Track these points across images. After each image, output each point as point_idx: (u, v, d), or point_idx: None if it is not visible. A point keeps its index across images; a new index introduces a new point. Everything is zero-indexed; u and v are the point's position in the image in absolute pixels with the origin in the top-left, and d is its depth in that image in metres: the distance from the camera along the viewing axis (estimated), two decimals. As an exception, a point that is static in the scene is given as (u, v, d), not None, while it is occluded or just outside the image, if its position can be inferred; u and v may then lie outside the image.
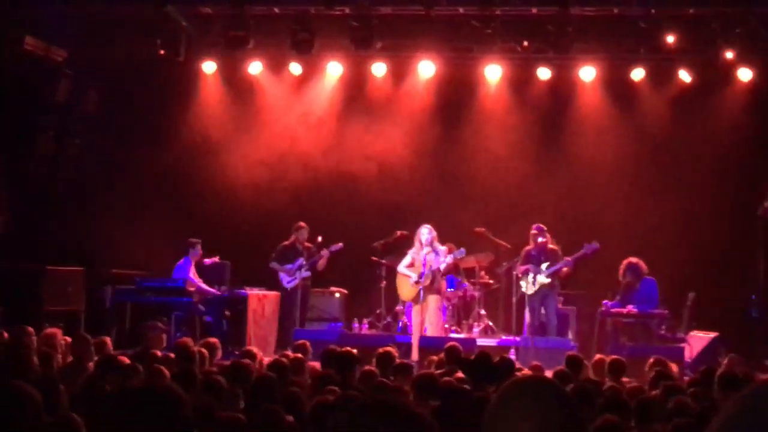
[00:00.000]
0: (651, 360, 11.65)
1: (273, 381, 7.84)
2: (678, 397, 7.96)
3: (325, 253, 17.91)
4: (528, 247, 17.24)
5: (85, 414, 5.73)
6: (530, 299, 17.13)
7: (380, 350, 10.94)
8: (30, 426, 3.73)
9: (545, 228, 17.25)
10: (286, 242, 18.22)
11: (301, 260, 17.95)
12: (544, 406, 2.65)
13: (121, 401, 3.77)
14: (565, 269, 17.09)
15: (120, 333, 16.69)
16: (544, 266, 17.00)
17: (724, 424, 1.82)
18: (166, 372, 8.75)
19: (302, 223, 18.26)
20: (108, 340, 12.53)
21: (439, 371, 10.16)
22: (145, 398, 3.69)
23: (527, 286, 17.10)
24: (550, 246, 17.23)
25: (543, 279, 17.04)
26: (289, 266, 17.96)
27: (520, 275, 17.24)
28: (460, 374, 9.48)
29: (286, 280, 17.97)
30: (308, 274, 18.13)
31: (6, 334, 12.02)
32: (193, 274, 17.63)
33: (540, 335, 16.86)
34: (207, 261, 18.00)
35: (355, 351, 11.50)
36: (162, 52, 18.41)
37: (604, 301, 17.05)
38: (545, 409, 2.64)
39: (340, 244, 17.92)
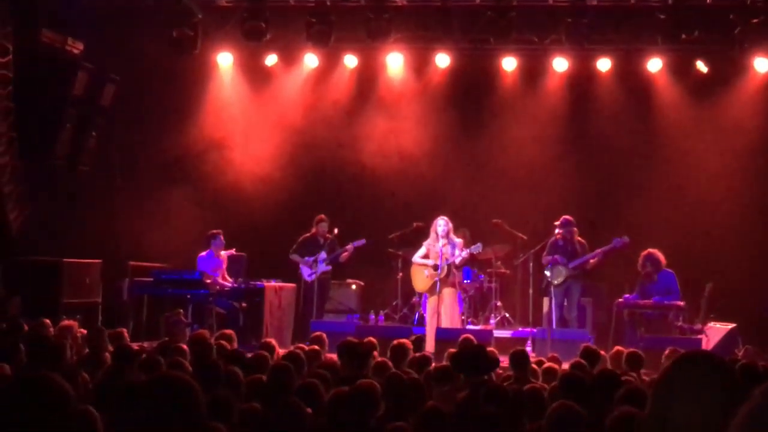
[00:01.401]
0: (667, 351, 11.64)
1: (289, 372, 7.84)
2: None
3: (350, 247, 17.93)
4: (554, 238, 17.25)
5: (102, 406, 5.75)
6: (555, 290, 17.15)
7: (394, 342, 10.94)
8: (61, 419, 3.74)
9: (573, 220, 17.25)
10: (307, 234, 18.24)
11: (323, 254, 17.97)
12: (718, 386, 2.65)
13: (133, 393, 3.78)
14: (592, 261, 17.11)
15: (137, 325, 16.75)
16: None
17: (751, 414, 1.83)
18: (188, 365, 8.79)
19: (323, 216, 18.27)
20: (125, 332, 12.57)
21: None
22: (156, 389, 3.70)
23: (552, 277, 17.13)
24: (578, 238, 17.25)
25: (568, 271, 17.07)
26: (308, 258, 17.98)
27: (544, 264, 17.28)
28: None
29: (307, 273, 17.99)
30: (329, 268, 18.15)
31: (26, 327, 12.06)
32: (218, 267, 17.64)
33: (560, 327, 16.88)
34: (224, 253, 18.02)
35: (373, 340, 11.56)
36: (178, 44, 18.44)
37: (625, 295, 17.02)
38: (719, 390, 2.64)
39: (363, 240, 17.96)
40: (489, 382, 7.90)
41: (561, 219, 17.27)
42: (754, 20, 17.15)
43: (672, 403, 2.63)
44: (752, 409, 1.85)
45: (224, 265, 17.84)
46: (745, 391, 2.52)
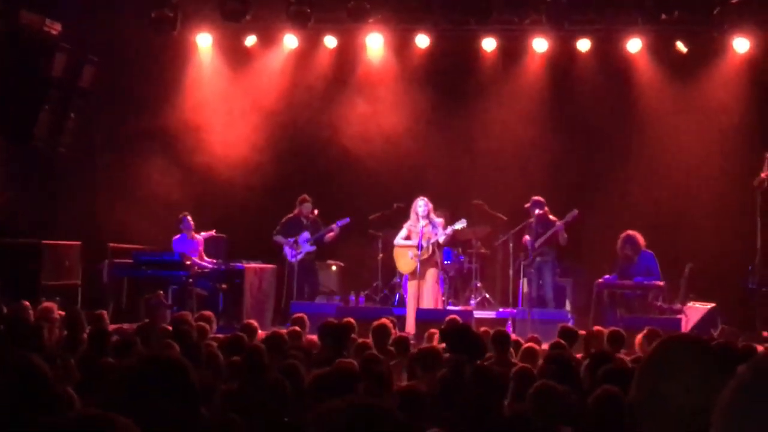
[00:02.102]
0: (645, 331, 11.70)
1: (263, 352, 7.85)
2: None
3: (334, 227, 17.90)
4: (530, 219, 17.36)
5: (80, 387, 5.74)
6: (526, 270, 17.26)
7: (376, 323, 10.94)
8: (43, 400, 3.72)
9: (543, 200, 17.34)
10: (290, 215, 18.20)
11: (306, 234, 17.94)
12: (704, 367, 2.68)
13: (127, 373, 3.77)
14: (559, 237, 17.20)
15: (117, 307, 16.72)
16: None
17: (737, 391, 1.84)
18: (176, 346, 8.79)
19: (306, 196, 18.24)
20: (104, 313, 12.56)
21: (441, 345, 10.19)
22: (151, 369, 3.68)
23: (525, 258, 17.26)
24: (551, 217, 17.35)
25: (534, 251, 17.23)
26: (290, 239, 17.95)
27: (523, 243, 17.43)
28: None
29: (291, 254, 17.95)
30: (314, 248, 18.12)
31: (5, 309, 12.03)
32: (193, 248, 17.61)
33: (538, 307, 16.94)
34: (203, 234, 17.99)
35: (352, 321, 11.57)
36: (157, 25, 18.35)
37: (605, 276, 17.09)
38: (704, 370, 2.66)
39: (347, 219, 17.95)
40: (473, 363, 7.90)
41: (531, 200, 17.37)
42: (734, 0, 17.17)
43: (661, 385, 2.65)
44: (737, 385, 1.86)
45: (201, 246, 17.82)
46: (727, 371, 2.54)
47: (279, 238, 18.09)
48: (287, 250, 17.99)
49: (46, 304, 12.72)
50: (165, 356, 3.96)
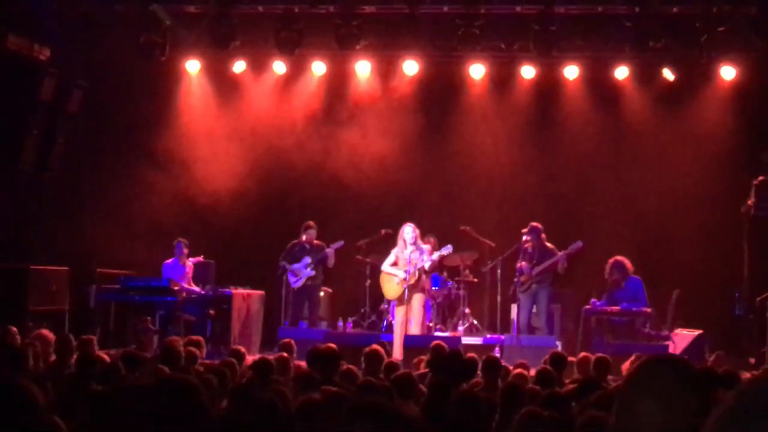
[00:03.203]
0: (632, 357, 11.71)
1: (254, 381, 7.82)
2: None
3: (330, 251, 17.88)
4: (524, 244, 17.33)
5: (66, 414, 5.71)
6: (522, 297, 17.25)
7: (368, 349, 10.91)
8: (33, 425, 3.70)
9: (540, 227, 17.33)
10: (296, 241, 18.16)
11: (307, 259, 17.91)
12: (681, 386, 2.66)
13: (142, 396, 3.75)
14: (559, 266, 17.19)
15: (105, 332, 16.67)
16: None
17: (722, 417, 1.84)
18: (167, 371, 8.75)
19: (311, 222, 18.19)
20: (93, 339, 12.49)
21: (421, 371, 10.17)
22: (166, 392, 3.66)
23: (519, 284, 17.24)
24: (547, 244, 17.35)
25: (533, 278, 17.19)
26: (296, 265, 17.91)
27: (516, 268, 17.37)
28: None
29: (293, 280, 17.92)
30: (313, 273, 18.04)
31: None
32: (181, 274, 17.59)
33: (528, 333, 16.95)
34: (192, 260, 17.98)
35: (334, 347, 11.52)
36: (146, 50, 18.36)
37: (592, 300, 17.09)
38: (681, 390, 2.64)
39: (341, 242, 17.95)
40: (459, 388, 7.89)
41: (528, 226, 17.35)
42: (720, 29, 17.24)
43: (637, 404, 2.65)
44: (724, 411, 1.86)
45: (190, 273, 17.81)
46: (704, 393, 2.55)
47: (284, 265, 18.03)
48: (290, 277, 17.97)
49: (43, 331, 12.56)
50: (181, 380, 3.94)
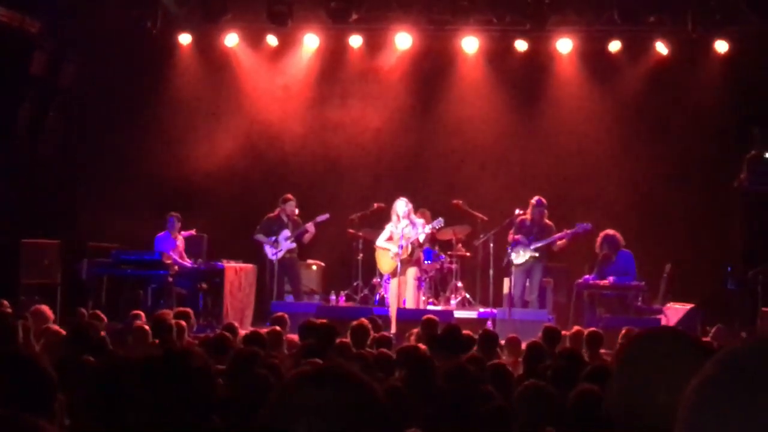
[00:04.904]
0: (623, 331, 11.75)
1: (254, 354, 7.81)
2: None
3: (310, 226, 17.79)
4: (522, 217, 17.27)
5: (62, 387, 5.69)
6: (516, 271, 17.21)
7: (354, 323, 10.89)
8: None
9: (545, 202, 17.26)
10: (271, 214, 18.09)
11: (287, 231, 17.84)
12: (678, 358, 2.58)
13: (145, 368, 3.71)
14: (559, 243, 17.14)
15: (96, 306, 16.63)
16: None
17: (703, 386, 1.82)
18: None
19: (289, 195, 18.10)
20: (83, 311, 12.48)
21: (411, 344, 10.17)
22: (174, 363, 3.64)
23: (515, 256, 17.17)
24: (546, 220, 17.29)
25: (530, 252, 17.12)
26: (271, 237, 17.84)
27: (509, 242, 17.31)
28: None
29: (271, 252, 17.86)
30: (293, 246, 18.00)
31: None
32: (173, 247, 17.58)
33: (520, 307, 16.95)
34: (184, 234, 17.96)
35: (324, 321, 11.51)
36: (138, 24, 18.30)
37: (585, 276, 17.10)
38: (681, 362, 2.56)
39: (327, 215, 17.85)
40: (452, 362, 7.89)
41: (535, 199, 17.24)
42: (712, 2, 17.22)
43: (636, 377, 2.60)
44: (702, 382, 1.84)
45: (182, 247, 17.78)
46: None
47: (259, 237, 17.98)
48: (267, 249, 17.90)
49: (43, 306, 12.47)
50: (186, 352, 3.90)
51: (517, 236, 17.22)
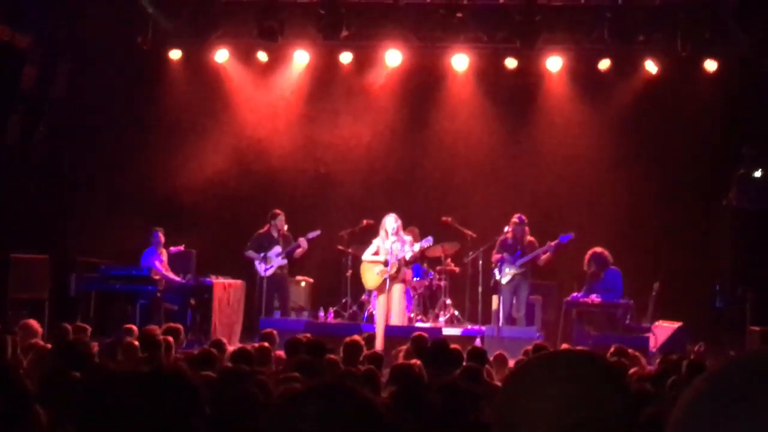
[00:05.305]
0: (612, 348, 11.74)
1: (241, 371, 7.78)
2: (640, 385, 8.03)
3: (302, 242, 17.79)
4: (504, 236, 17.29)
5: (48, 402, 5.67)
6: (503, 289, 17.21)
7: (347, 339, 10.88)
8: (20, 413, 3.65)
9: (526, 219, 17.29)
10: (261, 230, 18.08)
11: (278, 248, 17.83)
12: (562, 384, 2.32)
13: (133, 384, 3.70)
14: (543, 257, 17.15)
15: (84, 321, 16.58)
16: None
17: (694, 401, 1.81)
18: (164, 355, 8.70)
19: (278, 211, 18.11)
20: (69, 327, 12.41)
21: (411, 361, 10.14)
22: (158, 381, 3.63)
23: (501, 276, 17.18)
24: (528, 237, 17.30)
25: (515, 269, 17.13)
26: (262, 254, 17.81)
27: (493, 263, 17.31)
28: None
29: (262, 269, 17.83)
30: (284, 262, 18.00)
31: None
32: (160, 262, 17.56)
33: (508, 325, 16.95)
34: (172, 249, 17.95)
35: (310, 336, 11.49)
36: (129, 38, 18.30)
37: (573, 293, 17.10)
38: (563, 388, 2.30)
39: (318, 231, 17.86)
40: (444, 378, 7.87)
41: (516, 216, 17.28)
42: (702, 21, 17.27)
43: (517, 402, 2.37)
44: (694, 396, 1.83)
45: (166, 262, 17.76)
46: (605, 384, 2.29)
47: (250, 253, 17.96)
48: (258, 265, 17.88)
49: (31, 321, 12.41)
50: (175, 370, 3.90)
51: (503, 254, 17.23)
